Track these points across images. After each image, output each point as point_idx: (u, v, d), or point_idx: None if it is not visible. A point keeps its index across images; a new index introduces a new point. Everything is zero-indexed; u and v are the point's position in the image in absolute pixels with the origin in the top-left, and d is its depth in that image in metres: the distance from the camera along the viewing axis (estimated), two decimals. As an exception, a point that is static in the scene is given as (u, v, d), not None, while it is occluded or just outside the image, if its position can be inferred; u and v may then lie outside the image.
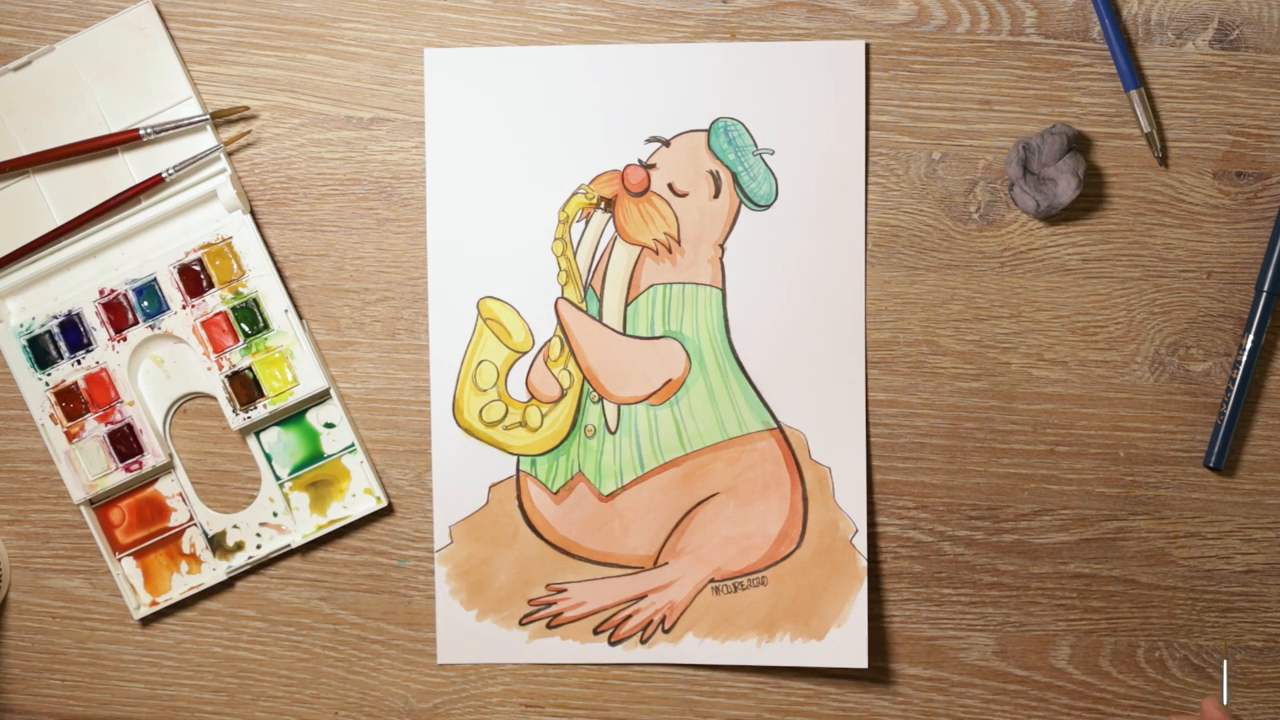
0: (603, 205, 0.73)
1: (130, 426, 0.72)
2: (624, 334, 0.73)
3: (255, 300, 0.72)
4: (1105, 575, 0.73)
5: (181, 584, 0.73)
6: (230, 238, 0.72)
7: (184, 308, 0.72)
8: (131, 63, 0.72)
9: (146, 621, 0.74)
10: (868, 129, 0.72)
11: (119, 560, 0.73)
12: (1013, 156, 0.71)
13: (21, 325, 0.72)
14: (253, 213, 0.73)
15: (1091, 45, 0.72)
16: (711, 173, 0.72)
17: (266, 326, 0.72)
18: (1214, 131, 0.72)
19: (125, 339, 0.72)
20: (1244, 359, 0.71)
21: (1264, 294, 0.71)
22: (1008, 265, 0.72)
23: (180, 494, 0.73)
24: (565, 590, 0.73)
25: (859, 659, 0.72)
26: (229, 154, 0.72)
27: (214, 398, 0.72)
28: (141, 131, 0.70)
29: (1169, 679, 0.73)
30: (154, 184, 0.70)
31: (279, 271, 0.73)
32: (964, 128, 0.72)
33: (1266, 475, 0.73)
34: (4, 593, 0.74)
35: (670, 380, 0.73)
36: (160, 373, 0.73)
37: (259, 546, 0.73)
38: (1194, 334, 0.72)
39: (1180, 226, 0.72)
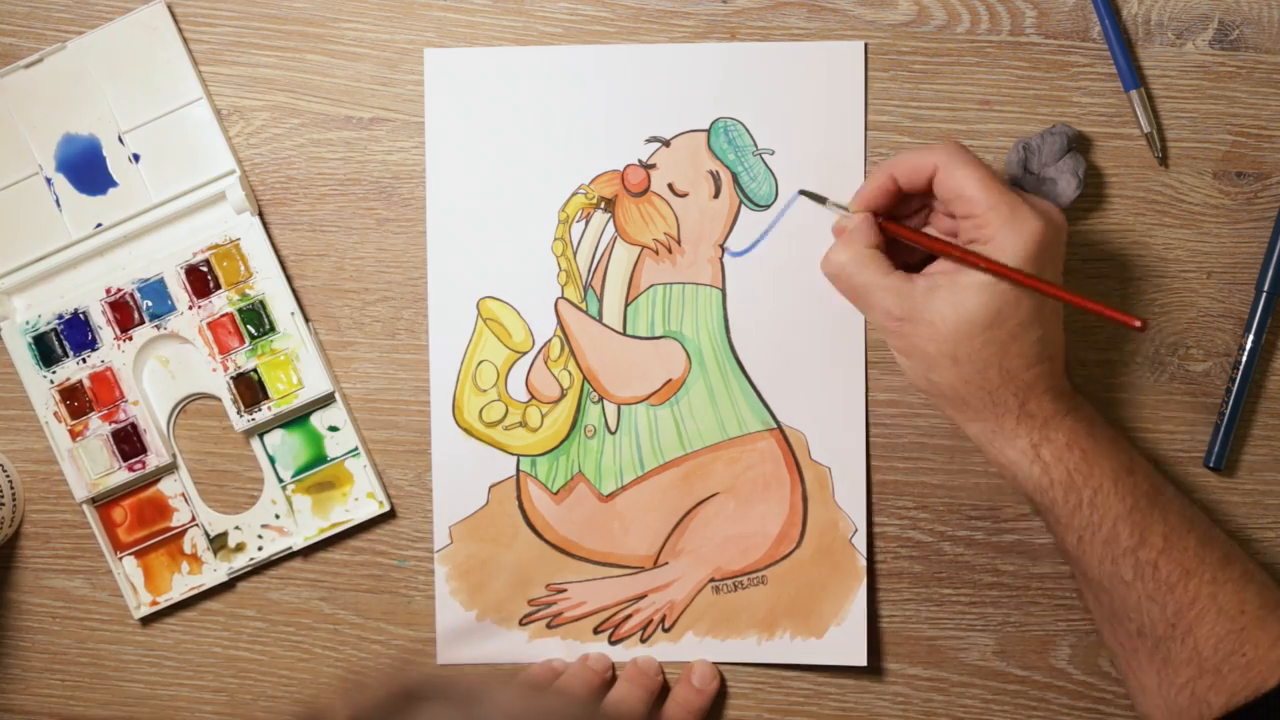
0: (603, 205, 0.76)
1: (134, 426, 0.75)
2: (624, 334, 0.76)
3: (262, 302, 0.75)
4: (1105, 575, 0.78)
5: (182, 584, 0.76)
6: (238, 239, 0.75)
7: (190, 308, 0.75)
8: (143, 62, 0.75)
9: (147, 621, 0.77)
10: (867, 129, 0.75)
11: (120, 559, 0.76)
12: (1013, 156, 0.74)
13: (27, 323, 0.75)
14: (260, 214, 0.76)
15: (1091, 45, 0.75)
16: (711, 173, 0.76)
17: (272, 329, 0.75)
18: (1214, 131, 0.75)
19: (131, 338, 0.75)
20: (1244, 359, 0.75)
21: (1264, 294, 0.74)
22: None
23: (183, 494, 0.76)
24: (565, 590, 0.76)
25: (858, 657, 0.75)
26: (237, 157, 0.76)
27: (218, 399, 0.76)
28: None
29: (1169, 679, 0.78)
30: None
31: (286, 274, 0.76)
32: (964, 128, 0.75)
33: (1266, 475, 0.76)
34: (18, 519, 0.77)
35: (670, 380, 0.76)
36: (165, 373, 0.76)
37: (260, 548, 0.76)
38: (1194, 334, 0.76)
39: (1180, 226, 0.76)
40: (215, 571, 0.77)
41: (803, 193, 0.75)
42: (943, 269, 0.68)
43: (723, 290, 0.76)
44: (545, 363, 0.77)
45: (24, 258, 0.76)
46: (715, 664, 0.77)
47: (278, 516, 0.77)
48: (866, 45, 0.76)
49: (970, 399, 0.68)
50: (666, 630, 0.77)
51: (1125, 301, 0.76)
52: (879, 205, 0.70)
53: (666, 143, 0.76)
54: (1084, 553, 0.68)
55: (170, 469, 0.77)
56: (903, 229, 0.70)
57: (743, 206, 0.76)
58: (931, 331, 0.67)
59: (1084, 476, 0.67)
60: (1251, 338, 0.75)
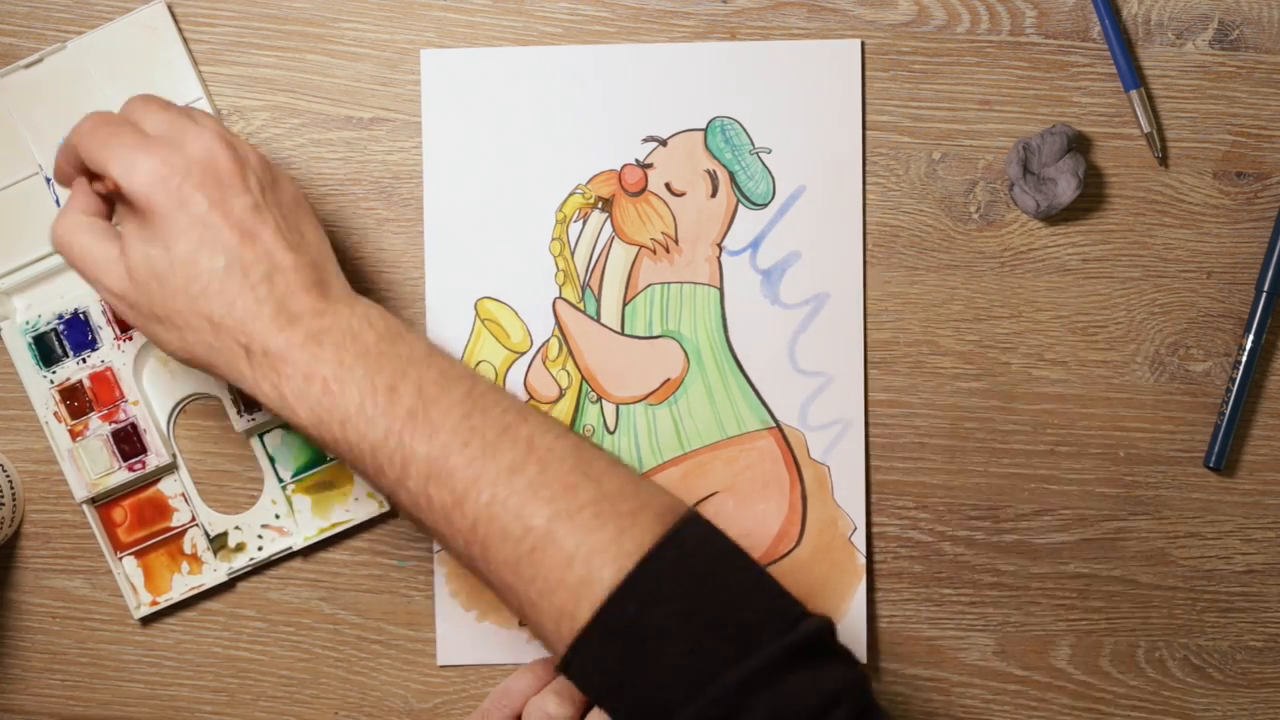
0: (600, 205, 0.76)
1: (134, 426, 0.76)
2: (622, 334, 0.77)
3: None
4: (1105, 575, 0.77)
5: (182, 584, 0.77)
6: None
7: None
8: (143, 62, 0.76)
9: (146, 621, 0.77)
10: (864, 127, 0.76)
11: (120, 559, 0.77)
12: (1013, 156, 0.75)
13: (27, 323, 0.76)
14: None
15: (1091, 45, 0.76)
16: (709, 172, 0.76)
17: None
18: (1214, 131, 0.76)
19: (131, 338, 0.75)
20: (1244, 359, 0.75)
21: (1264, 294, 0.75)
22: (1008, 265, 0.76)
23: (183, 494, 0.77)
24: None
25: (858, 654, 0.75)
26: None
27: (218, 399, 0.76)
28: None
29: (1169, 679, 0.77)
30: None
31: None
32: (964, 128, 0.76)
33: (1266, 475, 0.77)
34: (18, 519, 0.78)
35: (669, 380, 0.77)
36: (165, 373, 0.77)
37: (260, 548, 0.77)
38: (1194, 334, 0.77)
39: (1180, 226, 0.76)
40: (215, 571, 0.78)
41: None
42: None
43: (720, 289, 0.77)
44: (543, 363, 0.77)
45: (24, 258, 0.76)
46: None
47: (278, 516, 0.78)
48: (863, 43, 0.77)
49: (206, 359, 0.62)
50: (666, 630, 0.77)
51: (1126, 301, 0.77)
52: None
53: (663, 142, 0.77)
54: (385, 491, 0.62)
55: (170, 469, 0.77)
56: None
57: (740, 205, 0.77)
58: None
59: (328, 411, 0.60)
60: (1251, 338, 0.76)
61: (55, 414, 0.77)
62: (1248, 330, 0.76)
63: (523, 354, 0.77)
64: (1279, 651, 0.78)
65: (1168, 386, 0.77)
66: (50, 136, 0.76)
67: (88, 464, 0.76)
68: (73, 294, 0.77)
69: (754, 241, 0.77)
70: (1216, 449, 0.77)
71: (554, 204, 0.77)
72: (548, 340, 0.77)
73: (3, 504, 0.76)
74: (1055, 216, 0.77)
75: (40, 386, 0.77)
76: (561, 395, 0.77)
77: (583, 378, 0.77)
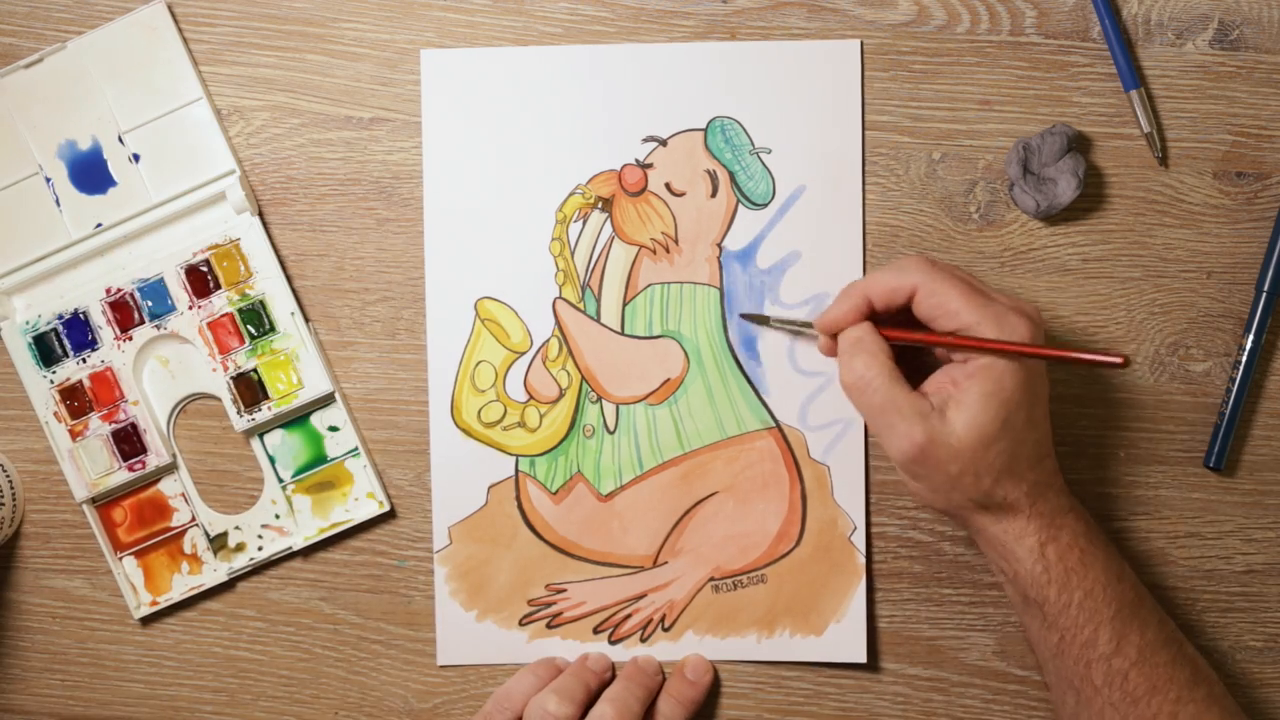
0: (600, 205, 0.77)
1: (134, 426, 0.76)
2: (622, 334, 0.77)
3: (262, 302, 0.76)
4: (1105, 575, 0.79)
5: (182, 584, 0.77)
6: (238, 239, 0.76)
7: (190, 308, 0.76)
8: (143, 62, 0.76)
9: (146, 621, 0.78)
10: (864, 127, 0.76)
11: (120, 559, 0.77)
12: (1013, 156, 0.75)
13: (27, 323, 0.76)
14: (260, 214, 0.77)
15: (1091, 45, 0.76)
16: (709, 172, 0.77)
17: (273, 329, 0.76)
18: (1214, 131, 0.76)
19: (131, 338, 0.76)
20: (1244, 359, 0.76)
21: (1264, 294, 0.75)
22: (1008, 265, 0.77)
23: (183, 494, 0.77)
24: (565, 590, 0.77)
25: (858, 654, 0.76)
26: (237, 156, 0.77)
27: (218, 399, 0.77)
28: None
29: (1169, 679, 0.79)
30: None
31: (286, 274, 0.77)
32: (964, 128, 0.76)
33: (1266, 475, 0.77)
34: (18, 519, 0.78)
35: (669, 380, 0.77)
36: (165, 373, 0.77)
37: (260, 548, 0.77)
38: (1194, 334, 0.77)
39: (1180, 226, 0.77)
40: (215, 571, 0.78)
41: (743, 316, 0.76)
42: (937, 388, 0.69)
43: (720, 289, 0.77)
44: (543, 363, 0.78)
45: (24, 258, 0.77)
46: (712, 661, 0.78)
47: (278, 516, 0.78)
48: (862, 43, 0.77)
49: (990, 507, 0.69)
50: (666, 629, 0.78)
51: (1126, 301, 0.77)
52: (844, 327, 0.71)
53: (663, 142, 0.77)
54: (1062, 651, 0.69)
55: (170, 469, 0.78)
56: (908, 333, 0.70)
57: (740, 205, 0.77)
58: (951, 452, 0.67)
59: (1079, 578, 0.69)
60: (1251, 338, 0.76)
61: (55, 414, 0.77)
62: (1248, 330, 0.77)
63: (523, 354, 0.78)
64: (1279, 651, 0.78)
65: (1168, 386, 0.78)
66: (50, 136, 0.77)
67: (88, 464, 0.77)
68: (73, 294, 0.77)
69: (754, 242, 0.77)
70: (1216, 449, 0.77)
71: (554, 204, 0.77)
72: (548, 340, 0.78)
73: (3, 504, 0.76)
74: (1055, 216, 0.77)
75: (40, 386, 0.77)
76: (561, 395, 0.78)
77: (583, 378, 0.78)
